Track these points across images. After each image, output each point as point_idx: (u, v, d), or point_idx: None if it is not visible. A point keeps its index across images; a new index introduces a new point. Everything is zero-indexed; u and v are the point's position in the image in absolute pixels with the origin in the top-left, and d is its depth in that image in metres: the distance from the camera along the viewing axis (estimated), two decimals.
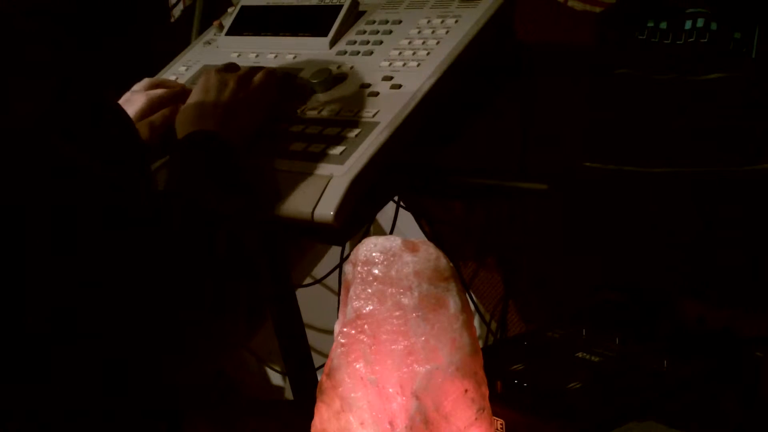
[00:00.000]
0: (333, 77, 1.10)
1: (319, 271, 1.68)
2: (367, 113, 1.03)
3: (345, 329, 0.73)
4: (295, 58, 1.19)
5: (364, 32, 1.17)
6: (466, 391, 0.72)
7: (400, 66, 1.08)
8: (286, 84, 1.13)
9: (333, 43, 1.17)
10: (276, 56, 1.21)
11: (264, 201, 0.98)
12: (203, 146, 0.96)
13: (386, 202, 1.20)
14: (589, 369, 0.95)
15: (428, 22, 1.13)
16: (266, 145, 1.05)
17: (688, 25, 1.04)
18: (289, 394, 1.80)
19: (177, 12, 1.67)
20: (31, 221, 0.67)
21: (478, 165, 1.25)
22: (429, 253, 0.74)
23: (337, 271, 1.55)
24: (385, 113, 1.02)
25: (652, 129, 1.04)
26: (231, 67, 1.10)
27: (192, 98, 1.06)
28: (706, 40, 1.03)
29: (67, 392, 0.72)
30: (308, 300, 1.54)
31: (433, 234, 1.56)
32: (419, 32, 1.12)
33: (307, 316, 1.39)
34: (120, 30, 1.44)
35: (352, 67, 1.12)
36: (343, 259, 1.48)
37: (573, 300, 1.32)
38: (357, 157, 0.97)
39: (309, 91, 1.11)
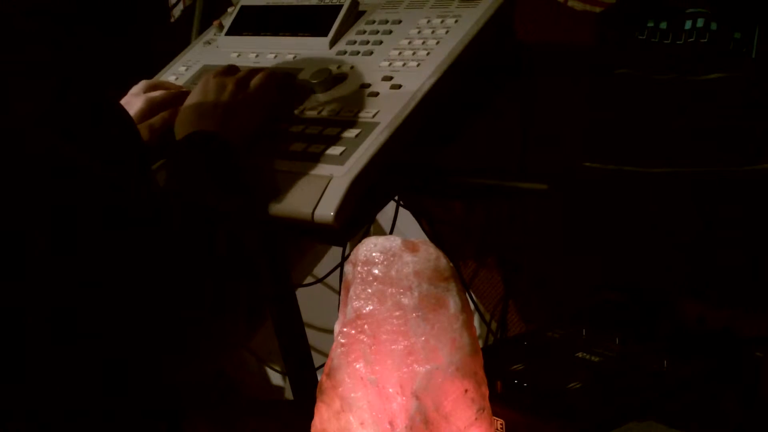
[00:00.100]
0: (333, 77, 1.10)
1: (320, 270, 1.68)
2: (367, 113, 1.03)
3: (345, 329, 0.73)
4: (294, 58, 1.19)
5: (364, 32, 1.17)
6: (466, 391, 0.72)
7: (400, 66, 1.08)
8: (286, 85, 1.13)
9: (333, 43, 1.17)
10: (276, 56, 1.21)
11: (264, 201, 0.98)
12: (202, 146, 0.96)
13: (386, 202, 1.20)
14: (589, 369, 0.95)
15: (428, 22, 1.13)
16: (266, 146, 1.05)
17: (688, 25, 1.04)
18: (289, 394, 1.80)
19: (177, 12, 1.67)
20: (31, 221, 0.67)
21: (478, 165, 1.25)
22: (429, 253, 0.74)
23: (338, 270, 1.55)
24: (385, 113, 1.02)
25: (652, 129, 1.04)
26: (229, 70, 1.11)
27: (190, 100, 1.05)
28: (706, 40, 1.03)
29: (67, 392, 0.72)
30: (309, 299, 1.54)
31: (433, 234, 1.56)
32: (419, 32, 1.12)
33: (307, 316, 1.39)
34: (120, 30, 1.44)
35: (352, 67, 1.12)
36: (344, 259, 1.48)
37: (573, 300, 1.32)
38: (357, 158, 0.97)
39: (309, 91, 1.11)
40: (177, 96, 1.10)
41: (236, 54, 1.25)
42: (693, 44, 1.03)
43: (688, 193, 1.02)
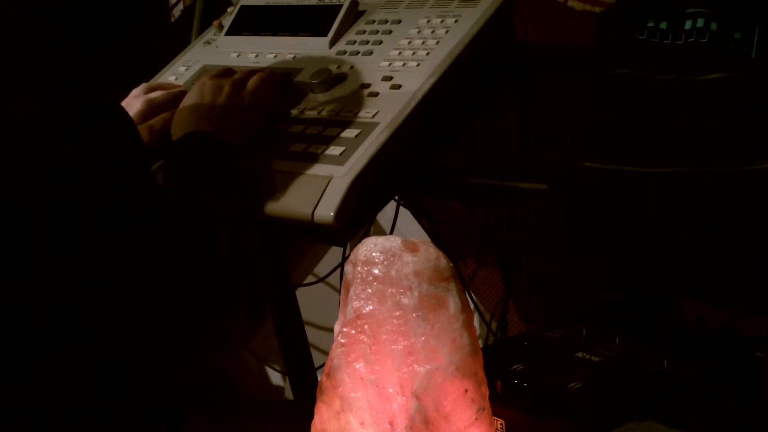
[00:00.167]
0: (333, 77, 1.10)
1: (320, 270, 1.68)
2: (367, 113, 1.03)
3: (345, 329, 0.73)
4: (294, 58, 1.19)
5: (364, 32, 1.17)
6: (466, 391, 0.72)
7: (399, 66, 1.08)
8: (283, 86, 1.13)
9: (332, 43, 1.17)
10: (275, 56, 1.21)
11: (264, 202, 0.98)
12: (200, 147, 0.96)
13: (386, 202, 1.20)
14: (589, 369, 0.95)
15: (428, 21, 1.13)
16: (266, 146, 1.05)
17: (688, 25, 1.04)
18: (289, 394, 1.80)
19: (177, 12, 1.67)
20: (31, 221, 0.67)
21: (478, 165, 1.25)
22: (429, 253, 0.74)
23: (338, 270, 1.55)
24: (385, 113, 1.02)
25: (652, 129, 1.04)
26: (226, 72, 1.11)
27: (187, 101, 1.05)
28: (706, 40, 1.03)
29: (67, 392, 0.72)
30: (309, 298, 1.54)
31: (433, 234, 1.56)
32: (419, 32, 1.12)
33: (308, 315, 1.39)
34: (120, 30, 1.44)
35: (351, 67, 1.12)
36: (344, 259, 1.48)
37: (573, 300, 1.32)
38: (357, 158, 0.97)
39: (308, 91, 1.11)
40: (177, 97, 1.10)
41: (236, 54, 1.25)
42: (693, 44, 1.03)
43: (688, 193, 1.02)
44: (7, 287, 0.66)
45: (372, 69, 1.10)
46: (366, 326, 0.72)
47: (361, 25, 1.18)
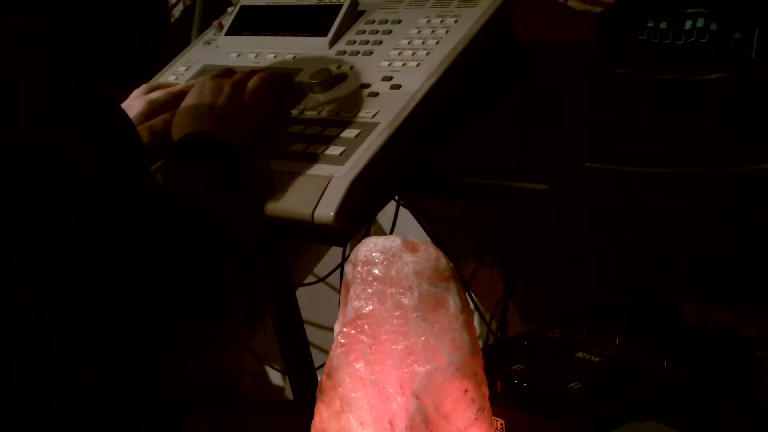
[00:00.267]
0: (333, 77, 1.10)
1: (320, 270, 1.68)
2: (367, 113, 1.03)
3: (345, 329, 0.73)
4: (294, 58, 1.19)
5: (364, 32, 1.17)
6: (466, 391, 0.72)
7: (399, 66, 1.08)
8: (285, 86, 1.13)
9: (332, 43, 1.17)
10: (275, 56, 1.21)
11: (264, 202, 0.98)
12: (200, 147, 0.96)
13: (386, 202, 1.20)
14: (589, 369, 0.95)
15: (428, 21, 1.12)
16: (266, 146, 1.05)
17: (688, 25, 1.04)
18: (289, 394, 1.80)
19: (177, 12, 1.67)
20: (30, 221, 0.67)
21: (478, 165, 1.25)
22: (429, 253, 0.74)
23: (338, 270, 1.55)
24: (385, 113, 1.02)
25: (652, 129, 1.04)
26: (226, 72, 1.11)
27: (187, 102, 1.05)
28: (706, 40, 1.03)
29: (67, 392, 0.72)
30: (310, 298, 1.54)
31: (433, 234, 1.56)
32: (419, 32, 1.12)
33: (308, 314, 1.39)
34: (120, 30, 1.44)
35: (351, 67, 1.12)
36: (344, 259, 1.48)
37: (573, 300, 1.32)
38: (357, 158, 0.97)
39: (308, 91, 1.11)
40: (178, 97, 1.10)
41: (236, 54, 1.25)
42: (693, 44, 1.03)
43: (688, 193, 1.02)
44: (6, 287, 0.66)
45: (372, 69, 1.10)
46: (366, 326, 0.72)
47: (361, 25, 1.18)
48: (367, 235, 1.38)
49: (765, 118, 0.99)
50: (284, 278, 1.33)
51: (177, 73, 1.27)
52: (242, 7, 1.30)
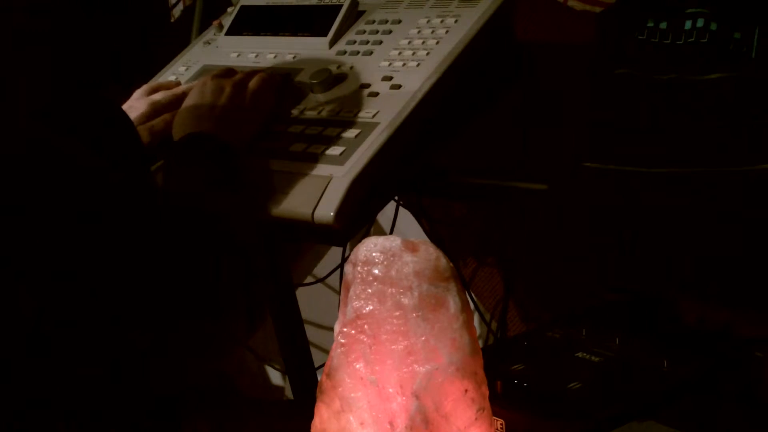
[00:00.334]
0: (333, 77, 1.10)
1: (320, 270, 1.68)
2: (367, 113, 1.03)
3: (345, 329, 0.73)
4: (294, 58, 1.19)
5: (364, 32, 1.17)
6: (466, 391, 0.72)
7: (399, 66, 1.08)
8: (285, 86, 1.13)
9: (332, 43, 1.17)
10: (275, 56, 1.21)
11: (264, 202, 0.98)
12: (200, 147, 0.96)
13: (386, 202, 1.20)
14: (589, 369, 0.95)
15: (428, 21, 1.12)
16: (266, 146, 1.05)
17: (688, 25, 1.04)
18: (289, 394, 1.80)
19: (177, 12, 1.67)
20: (30, 221, 0.67)
21: (478, 165, 1.25)
22: (429, 253, 0.74)
23: (338, 270, 1.55)
24: (385, 113, 1.02)
25: (652, 129, 1.04)
26: (227, 73, 1.11)
27: (188, 102, 1.05)
28: (706, 40, 1.03)
29: (67, 392, 0.72)
30: (310, 298, 1.54)
31: (433, 234, 1.56)
32: (419, 32, 1.12)
33: (308, 315, 1.39)
34: (120, 30, 1.44)
35: (351, 67, 1.12)
36: (344, 259, 1.48)
37: (573, 300, 1.32)
38: (357, 158, 0.97)
39: (308, 91, 1.11)
40: (180, 98, 1.10)
41: (236, 54, 1.25)
42: (693, 44, 1.03)
43: (688, 193, 1.02)
44: (6, 287, 0.66)
45: (372, 69, 1.10)
46: (366, 326, 0.72)
47: (361, 25, 1.18)
48: (367, 235, 1.38)
49: (765, 118, 0.99)
50: (284, 278, 1.33)
51: (177, 73, 1.27)
52: (242, 7, 1.30)
